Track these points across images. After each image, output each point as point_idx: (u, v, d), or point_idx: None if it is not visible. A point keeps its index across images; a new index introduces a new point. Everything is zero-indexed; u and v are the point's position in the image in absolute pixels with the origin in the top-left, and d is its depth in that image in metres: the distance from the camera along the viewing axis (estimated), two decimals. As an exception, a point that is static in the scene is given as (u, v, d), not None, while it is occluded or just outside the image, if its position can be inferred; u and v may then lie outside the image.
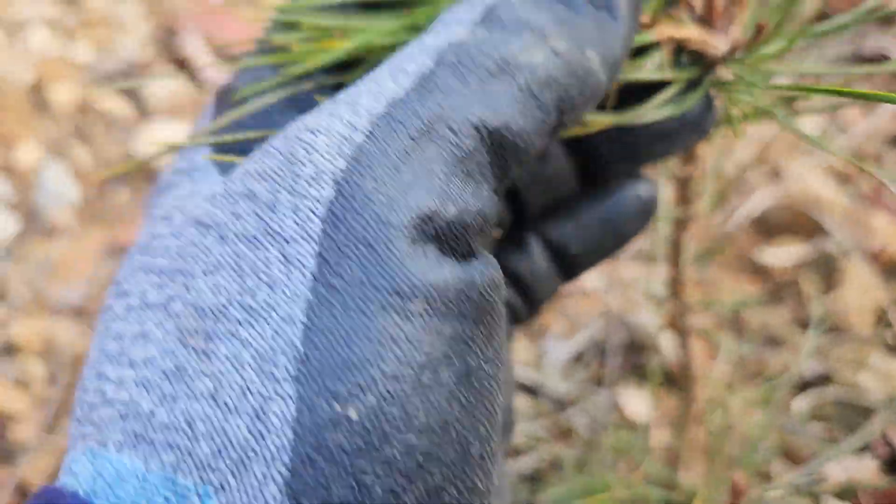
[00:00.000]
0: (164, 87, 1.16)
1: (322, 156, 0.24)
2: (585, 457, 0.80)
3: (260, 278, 0.23)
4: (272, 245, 0.23)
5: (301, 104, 0.31)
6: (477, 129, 0.25)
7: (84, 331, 0.97)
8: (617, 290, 0.93)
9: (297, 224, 0.23)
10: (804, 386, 0.83)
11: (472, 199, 0.25)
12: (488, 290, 0.24)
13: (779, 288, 0.95)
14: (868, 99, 0.26)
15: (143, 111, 1.14)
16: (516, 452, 0.82)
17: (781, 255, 0.95)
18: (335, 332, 0.22)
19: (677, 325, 0.55)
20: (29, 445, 0.90)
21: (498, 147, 0.25)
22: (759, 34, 0.32)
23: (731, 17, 0.33)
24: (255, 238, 0.24)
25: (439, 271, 0.23)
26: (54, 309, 0.99)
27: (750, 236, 0.98)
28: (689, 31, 0.32)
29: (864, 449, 0.79)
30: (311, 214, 0.23)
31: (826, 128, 1.07)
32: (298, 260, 0.23)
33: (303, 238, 0.23)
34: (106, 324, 0.27)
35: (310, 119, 0.25)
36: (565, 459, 0.78)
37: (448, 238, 0.24)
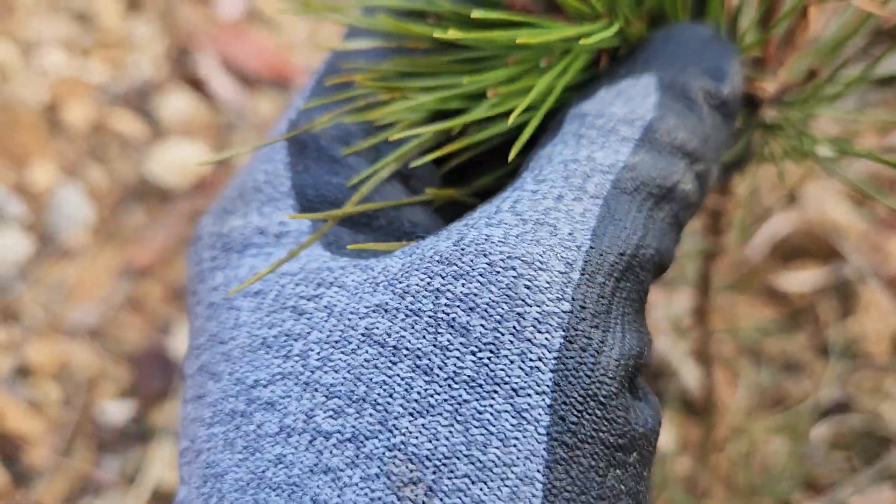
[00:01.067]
0: (178, 107, 1.16)
1: (547, 297, 0.23)
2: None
3: (488, 430, 0.21)
4: (498, 393, 0.22)
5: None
6: (654, 263, 0.25)
7: (99, 352, 0.97)
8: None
9: (526, 374, 0.22)
10: (824, 413, 0.83)
11: (646, 335, 0.25)
12: (659, 426, 0.25)
13: (797, 314, 0.94)
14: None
15: (158, 131, 1.14)
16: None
17: (799, 280, 0.95)
18: (572, 492, 0.21)
19: (702, 354, 0.55)
20: (44, 469, 0.90)
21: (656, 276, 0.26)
22: (811, 78, 0.32)
23: (783, 59, 0.34)
24: (476, 383, 0.22)
25: (644, 419, 0.23)
26: (69, 331, 0.99)
27: (768, 261, 0.98)
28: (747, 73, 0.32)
29: (884, 478, 0.79)
30: (541, 364, 0.22)
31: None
32: (530, 413, 0.22)
33: (534, 390, 0.22)
34: (243, 436, 0.23)
35: (513, 240, 0.23)
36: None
37: (636, 380, 0.24)
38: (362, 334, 0.23)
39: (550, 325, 0.22)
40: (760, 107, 0.34)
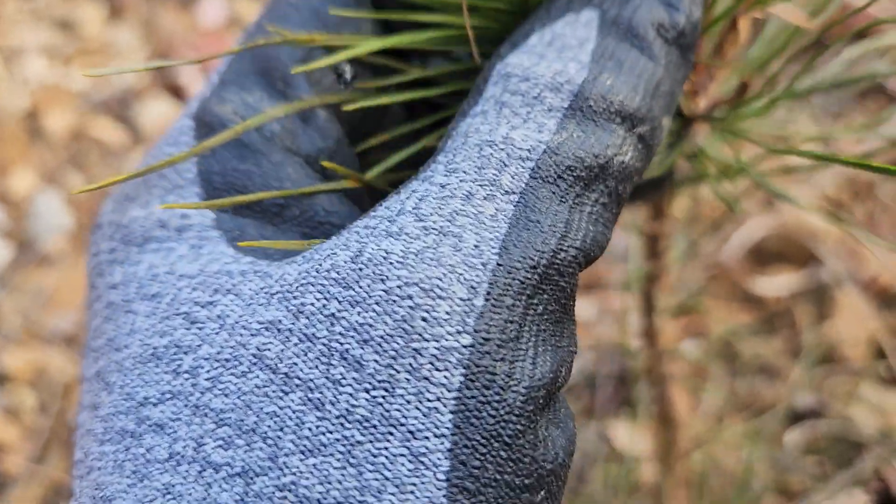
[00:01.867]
0: (158, 114, 1.16)
1: (446, 330, 0.21)
2: (576, 489, 0.80)
3: (384, 475, 0.20)
4: (394, 436, 0.20)
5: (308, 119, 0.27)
6: (578, 262, 0.23)
7: (75, 359, 0.97)
8: (608, 320, 0.93)
9: (424, 415, 0.20)
10: (797, 418, 0.83)
11: (566, 349, 0.23)
12: (571, 456, 0.23)
13: (772, 317, 0.94)
14: (847, 165, 0.25)
15: (138, 138, 1.15)
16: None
17: (775, 284, 0.95)
18: None
19: (654, 373, 0.54)
20: (18, 476, 0.90)
21: (583, 267, 0.23)
22: (742, 92, 0.32)
23: (712, 74, 0.33)
24: (371, 423, 0.20)
25: (553, 453, 0.22)
26: (46, 338, 0.99)
27: (743, 265, 0.98)
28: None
29: (857, 484, 0.78)
30: (440, 404, 0.20)
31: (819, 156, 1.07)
32: (429, 458, 0.20)
33: (433, 433, 0.20)
34: (132, 459, 0.22)
35: (412, 260, 0.22)
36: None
37: (549, 403, 0.22)
38: (254, 355, 0.22)
39: (449, 361, 0.21)
40: (692, 122, 0.33)
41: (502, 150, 0.23)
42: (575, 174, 0.23)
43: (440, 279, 0.21)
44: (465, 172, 0.23)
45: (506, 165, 0.23)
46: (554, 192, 0.23)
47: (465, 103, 0.25)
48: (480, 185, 0.22)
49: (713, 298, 0.95)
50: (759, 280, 0.95)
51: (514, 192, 0.22)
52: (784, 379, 0.88)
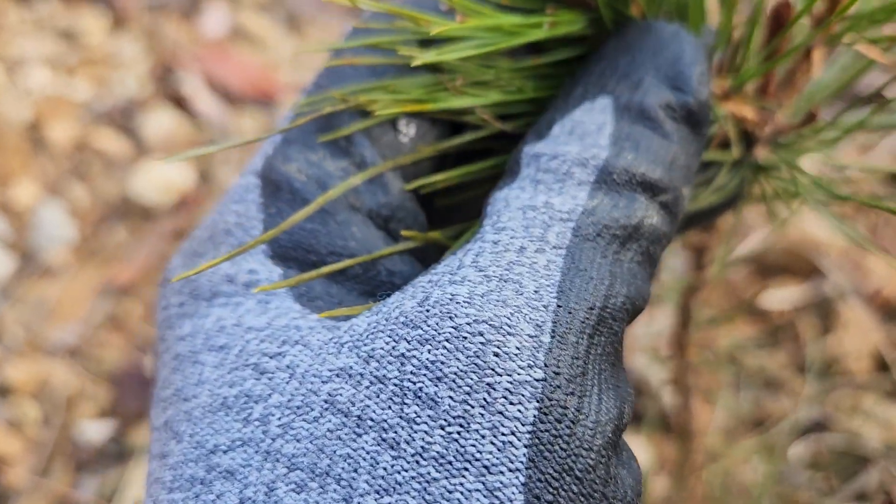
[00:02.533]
0: (161, 125, 1.16)
1: (517, 364, 0.21)
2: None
3: None
4: (469, 471, 0.20)
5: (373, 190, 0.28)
6: (626, 310, 0.24)
7: (78, 371, 0.97)
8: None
9: (499, 449, 0.21)
10: (802, 432, 0.83)
11: (626, 390, 0.24)
12: (639, 497, 0.23)
13: (776, 330, 0.94)
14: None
15: (141, 149, 1.14)
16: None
17: (779, 297, 0.95)
18: None
19: (680, 384, 0.55)
20: (21, 489, 0.90)
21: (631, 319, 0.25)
22: (810, 120, 0.32)
23: (782, 99, 0.33)
24: (446, 459, 0.21)
25: (623, 491, 0.22)
26: (49, 350, 0.99)
27: (747, 278, 0.98)
28: (748, 110, 0.32)
29: (861, 498, 0.78)
30: (514, 438, 0.21)
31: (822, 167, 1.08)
32: (503, 492, 0.20)
33: (507, 467, 0.20)
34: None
35: (479, 301, 0.22)
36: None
37: (617, 444, 0.23)
38: (325, 400, 0.22)
39: (523, 395, 0.21)
40: (755, 145, 0.34)
41: (544, 213, 0.25)
42: (612, 232, 0.25)
43: (508, 317, 0.22)
44: (513, 230, 0.24)
45: (549, 225, 0.24)
46: (595, 248, 0.24)
47: (501, 181, 0.27)
48: (530, 241, 0.24)
49: (717, 310, 0.95)
50: (764, 293, 0.96)
51: (560, 247, 0.24)
52: (788, 392, 0.89)
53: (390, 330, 0.22)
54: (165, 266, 0.29)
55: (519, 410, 0.21)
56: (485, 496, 0.20)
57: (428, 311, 0.22)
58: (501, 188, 0.26)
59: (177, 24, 1.25)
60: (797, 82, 0.32)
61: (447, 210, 0.32)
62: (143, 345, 0.99)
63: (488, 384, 0.21)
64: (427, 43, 0.28)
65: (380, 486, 0.21)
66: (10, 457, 0.92)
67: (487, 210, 0.26)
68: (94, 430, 0.93)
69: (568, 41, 0.30)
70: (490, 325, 0.22)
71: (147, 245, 1.05)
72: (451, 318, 0.22)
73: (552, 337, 0.22)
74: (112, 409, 0.95)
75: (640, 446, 0.84)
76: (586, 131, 0.27)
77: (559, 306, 0.22)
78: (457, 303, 0.22)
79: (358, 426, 0.21)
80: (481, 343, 0.22)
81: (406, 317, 0.22)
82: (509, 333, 0.22)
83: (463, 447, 0.21)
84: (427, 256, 0.29)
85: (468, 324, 0.22)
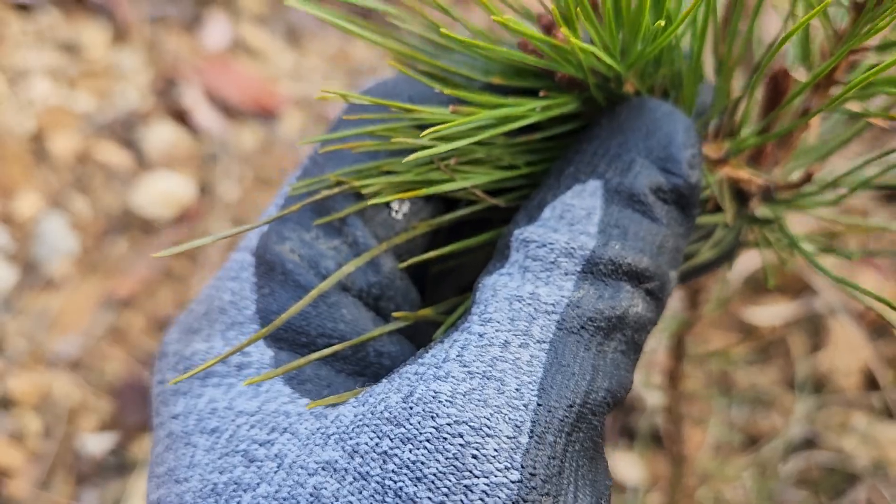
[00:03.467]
0: (162, 138, 1.17)
1: (495, 467, 0.22)
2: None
3: None
4: None
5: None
6: (607, 404, 0.25)
7: (80, 384, 0.98)
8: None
9: None
10: (792, 450, 0.85)
11: (603, 483, 0.25)
12: None
13: (767, 346, 0.96)
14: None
15: (142, 162, 1.15)
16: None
17: (770, 313, 0.97)
18: None
19: (673, 413, 0.56)
20: (22, 501, 0.91)
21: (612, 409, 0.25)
22: (805, 180, 0.33)
23: (779, 157, 0.34)
24: None
25: None
26: (51, 362, 1.00)
27: (739, 294, 0.99)
28: (744, 173, 0.33)
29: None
30: None
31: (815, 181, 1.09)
32: None
33: None
34: None
35: (461, 401, 0.23)
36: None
37: None
38: (311, 493, 0.23)
39: (499, 497, 0.22)
40: (750, 201, 0.34)
41: (530, 304, 0.25)
42: (596, 324, 0.25)
43: (488, 418, 0.23)
44: (498, 322, 0.25)
45: (534, 318, 0.25)
46: (579, 342, 0.25)
47: (490, 264, 0.28)
48: (514, 335, 0.25)
49: (710, 327, 0.97)
50: (755, 309, 0.97)
51: (544, 342, 0.25)
52: (779, 409, 0.90)
53: (375, 425, 0.23)
54: (162, 339, 0.30)
55: None
56: None
57: (411, 408, 0.23)
58: (491, 272, 0.27)
59: (178, 37, 1.26)
60: (794, 142, 0.33)
61: (442, 274, 0.32)
62: (144, 357, 1.00)
63: (466, 486, 0.22)
64: (422, 126, 0.28)
65: None
66: (12, 468, 0.92)
67: (476, 296, 0.26)
68: (96, 443, 0.94)
69: (562, 118, 0.30)
70: (470, 426, 0.23)
71: (148, 258, 1.06)
72: (432, 417, 0.23)
73: (530, 437, 0.23)
74: (113, 421, 0.96)
75: (634, 464, 0.86)
76: (576, 217, 0.27)
77: (539, 405, 0.23)
78: (439, 401, 0.23)
79: None
80: (461, 445, 0.22)
81: (390, 412, 0.23)
82: (488, 435, 0.22)
83: None
84: (418, 332, 0.30)
85: (449, 424, 0.23)
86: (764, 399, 0.92)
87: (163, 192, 1.09)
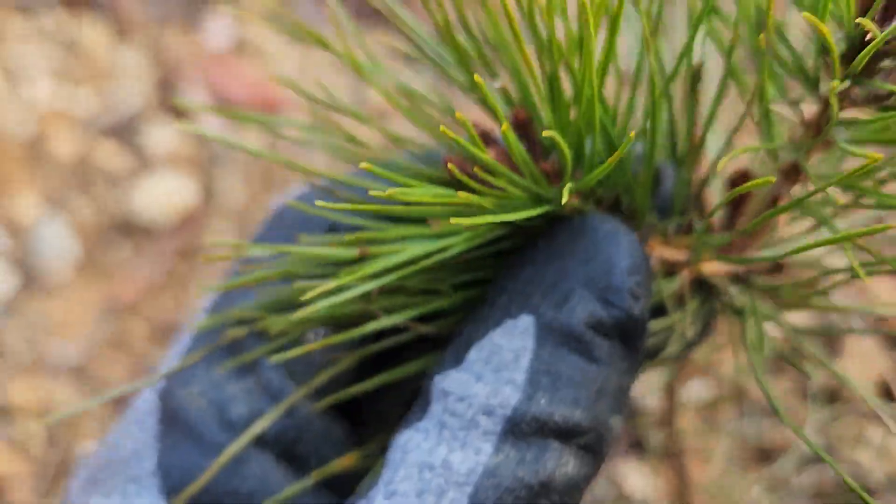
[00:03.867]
0: (164, 139, 1.16)
1: None
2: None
3: None
4: None
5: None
6: None
7: (83, 391, 0.97)
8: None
9: None
10: (806, 463, 0.83)
11: None
12: None
13: (780, 356, 0.95)
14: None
15: (144, 163, 1.14)
16: None
17: (783, 321, 0.95)
18: None
19: (672, 450, 0.55)
20: (25, 509, 0.90)
21: None
22: (776, 270, 0.32)
23: (744, 247, 0.33)
24: None
25: None
26: (52, 368, 0.99)
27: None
28: (709, 266, 0.32)
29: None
30: None
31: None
32: None
33: None
34: None
35: None
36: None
37: None
38: None
39: None
40: (714, 291, 0.33)
41: (441, 475, 0.23)
42: (515, 494, 0.23)
43: None
44: (404, 497, 0.23)
45: (444, 491, 0.23)
46: None
47: (412, 413, 0.25)
48: None
49: (722, 337, 0.95)
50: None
51: None
52: (792, 419, 0.89)
53: None
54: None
55: None
56: None
57: None
58: (409, 424, 0.25)
59: (180, 36, 1.25)
60: (762, 232, 0.32)
61: (380, 389, 0.30)
62: (146, 364, 0.99)
63: None
64: (337, 265, 0.26)
65: None
66: (14, 477, 0.92)
67: (388, 456, 0.24)
68: (98, 451, 0.93)
69: (497, 238, 0.27)
70: None
71: (150, 262, 1.05)
72: None
73: None
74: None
75: (644, 476, 0.85)
76: (503, 361, 0.24)
77: None
78: None
79: None
80: None
81: None
82: None
83: None
84: (339, 479, 0.28)
85: None
86: (776, 410, 0.91)
87: (165, 194, 1.08)
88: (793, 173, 0.29)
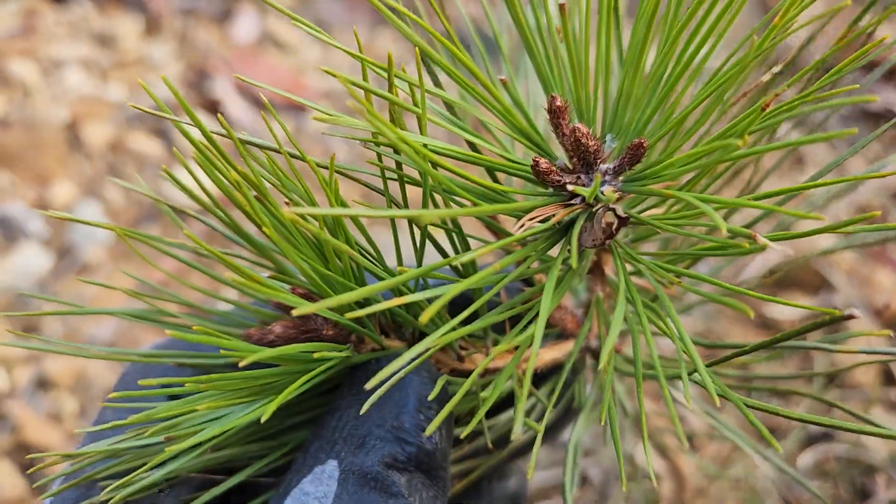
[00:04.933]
0: (193, 128, 1.19)
1: None
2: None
3: None
4: None
5: None
6: None
7: (114, 366, 1.01)
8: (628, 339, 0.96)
9: None
10: (810, 442, 0.86)
11: None
12: None
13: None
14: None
15: (173, 152, 1.18)
16: (533, 500, 0.85)
17: (788, 309, 0.98)
18: None
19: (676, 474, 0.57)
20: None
21: None
22: (633, 346, 0.33)
23: (594, 330, 0.36)
24: None
25: None
26: (86, 344, 1.02)
27: (758, 290, 1.01)
28: (551, 354, 0.35)
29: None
30: None
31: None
32: None
33: None
34: None
35: None
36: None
37: None
38: None
39: None
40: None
41: None
42: None
43: None
44: None
45: None
46: None
47: None
48: None
49: (729, 322, 0.98)
50: (774, 305, 0.98)
51: None
52: (797, 403, 0.92)
53: None
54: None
55: None
56: None
57: None
58: None
59: (208, 29, 1.28)
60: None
61: None
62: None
63: None
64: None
65: None
66: (50, 448, 0.95)
67: None
68: (130, 424, 0.96)
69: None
70: None
71: (179, 245, 1.09)
72: None
73: None
74: (146, 403, 0.98)
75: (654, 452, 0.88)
76: None
77: None
78: None
79: None
80: None
81: None
82: None
83: None
84: None
85: None
86: (782, 393, 0.93)
87: (194, 182, 1.11)
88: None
